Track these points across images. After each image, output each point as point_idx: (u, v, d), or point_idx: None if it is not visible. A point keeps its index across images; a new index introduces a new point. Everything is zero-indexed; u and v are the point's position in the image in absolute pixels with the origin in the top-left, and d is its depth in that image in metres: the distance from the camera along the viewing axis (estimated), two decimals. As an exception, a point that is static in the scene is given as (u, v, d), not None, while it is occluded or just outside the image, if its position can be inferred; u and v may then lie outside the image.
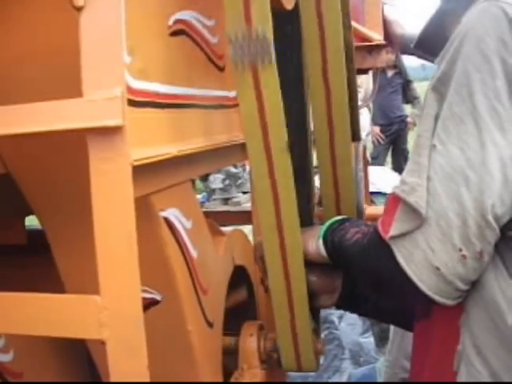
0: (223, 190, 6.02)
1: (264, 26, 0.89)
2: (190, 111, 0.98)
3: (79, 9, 0.71)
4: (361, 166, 1.51)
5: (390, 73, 6.14)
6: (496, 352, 0.86)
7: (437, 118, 0.85)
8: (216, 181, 5.95)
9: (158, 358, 0.81)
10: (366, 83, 4.22)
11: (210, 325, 1.16)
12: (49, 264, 1.09)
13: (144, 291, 0.72)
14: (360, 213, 1.42)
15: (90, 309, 0.70)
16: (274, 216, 1.03)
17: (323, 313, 1.65)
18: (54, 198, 1.03)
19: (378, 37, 2.39)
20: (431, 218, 0.82)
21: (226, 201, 5.97)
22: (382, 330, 2.93)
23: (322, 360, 1.28)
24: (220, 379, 1.23)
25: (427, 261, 0.82)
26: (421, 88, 6.78)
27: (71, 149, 0.89)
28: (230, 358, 1.27)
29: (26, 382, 1.17)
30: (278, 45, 0.92)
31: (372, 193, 2.91)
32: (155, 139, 0.84)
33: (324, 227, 1.08)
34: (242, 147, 1.18)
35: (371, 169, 3.02)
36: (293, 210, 1.04)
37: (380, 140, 6.32)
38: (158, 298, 1.02)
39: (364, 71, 2.61)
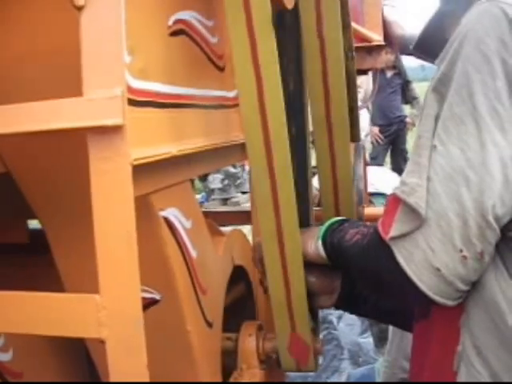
0: (222, 190, 6.02)
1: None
2: (189, 111, 0.98)
3: (80, 8, 0.71)
4: (361, 166, 1.51)
5: (389, 73, 6.15)
6: (496, 352, 0.86)
7: (437, 118, 0.85)
8: (215, 181, 5.95)
9: (157, 357, 0.81)
10: (365, 84, 4.22)
11: (210, 325, 1.16)
12: (49, 263, 1.09)
13: (143, 291, 0.73)
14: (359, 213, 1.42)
15: (89, 308, 0.70)
16: (273, 217, 1.03)
17: (322, 313, 1.65)
18: (53, 197, 1.03)
19: (377, 37, 2.39)
20: (431, 218, 0.82)
21: (224, 201, 5.97)
22: (380, 331, 2.93)
23: (320, 360, 1.28)
24: (219, 379, 1.23)
25: (427, 261, 0.82)
26: (420, 88, 6.79)
27: (71, 148, 0.89)
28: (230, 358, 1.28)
29: (26, 382, 1.17)
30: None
31: (371, 193, 2.91)
32: (155, 139, 0.84)
33: (323, 228, 1.08)
34: (241, 147, 1.18)
35: (370, 169, 3.02)
36: (292, 212, 1.04)
37: (379, 140, 6.32)
38: (158, 297, 1.02)
39: (363, 72, 2.61)
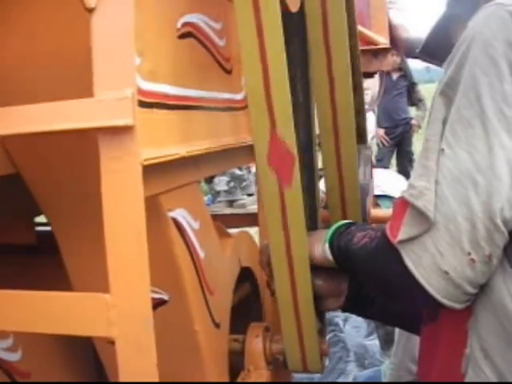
0: (228, 192, 6.00)
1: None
2: (197, 113, 0.99)
3: (90, 10, 0.72)
4: (368, 168, 1.52)
5: (395, 75, 6.14)
6: (504, 355, 0.86)
7: (445, 121, 0.85)
8: (221, 183, 5.94)
9: (165, 357, 0.82)
10: (373, 86, 4.22)
11: (217, 325, 1.17)
12: (57, 264, 1.10)
13: (152, 291, 0.73)
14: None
15: (99, 307, 0.70)
16: (280, 220, 1.04)
17: (328, 315, 1.65)
18: (62, 197, 1.03)
19: (383, 40, 2.40)
20: (440, 221, 0.82)
21: (230, 203, 5.96)
22: (387, 333, 2.92)
23: (326, 362, 1.28)
24: (226, 379, 1.24)
25: (436, 265, 0.82)
26: (425, 90, 6.78)
27: (80, 148, 0.90)
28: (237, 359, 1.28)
29: (34, 382, 1.17)
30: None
31: (377, 196, 2.91)
32: (164, 140, 0.85)
33: (330, 231, 1.08)
34: (248, 149, 1.18)
35: (376, 171, 3.02)
36: (300, 214, 1.04)
37: (385, 142, 6.31)
38: (166, 297, 1.03)
39: (370, 75, 2.61)
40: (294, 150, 1.00)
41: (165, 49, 0.90)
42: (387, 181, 2.99)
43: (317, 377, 2.40)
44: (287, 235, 1.05)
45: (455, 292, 0.83)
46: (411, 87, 6.37)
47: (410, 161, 6.40)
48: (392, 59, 2.46)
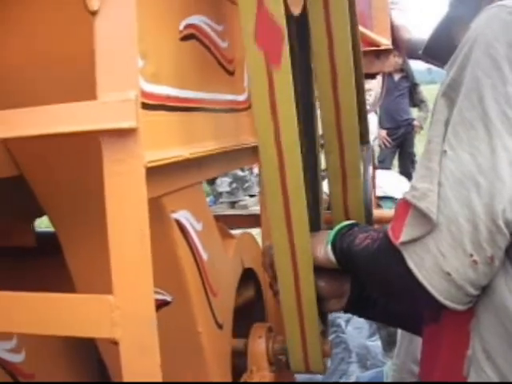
0: (230, 193, 6.01)
1: None
2: (200, 114, 0.99)
3: (94, 13, 0.72)
4: (370, 169, 1.52)
5: (396, 76, 6.13)
6: (506, 357, 0.86)
7: (447, 123, 0.85)
8: (223, 184, 5.94)
9: (169, 358, 0.82)
10: (376, 87, 4.22)
11: (220, 326, 1.17)
12: (60, 265, 1.10)
13: (155, 292, 0.73)
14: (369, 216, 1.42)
15: (103, 308, 0.70)
16: (284, 220, 1.04)
17: (330, 316, 1.65)
18: (66, 198, 1.04)
19: (385, 42, 2.40)
20: (442, 223, 0.82)
21: (232, 204, 5.96)
22: (389, 334, 2.92)
23: (329, 363, 1.28)
24: (229, 380, 1.24)
25: (438, 266, 0.82)
26: (427, 91, 6.78)
27: (83, 150, 0.90)
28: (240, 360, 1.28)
29: (34, 381, 1.18)
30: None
31: (379, 197, 2.91)
32: (167, 142, 0.85)
33: (332, 232, 1.08)
34: (251, 151, 1.19)
35: (378, 173, 3.02)
36: (303, 215, 1.04)
37: (387, 143, 6.31)
38: (169, 299, 1.03)
39: (372, 76, 2.62)
40: (283, 22, 0.93)
41: (167, 51, 0.90)
42: (389, 182, 3.00)
43: (319, 377, 2.40)
44: (291, 237, 1.05)
45: (457, 293, 0.83)
46: (413, 88, 6.36)
47: (412, 162, 6.40)
48: (394, 60, 2.47)
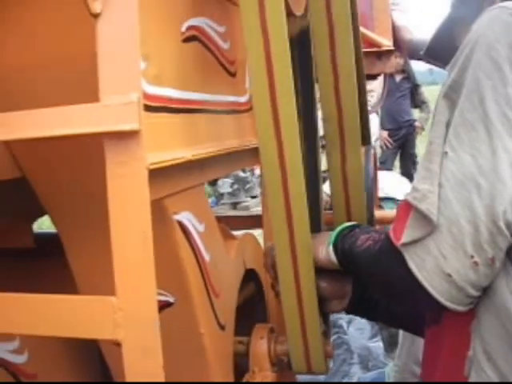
0: (232, 194, 6.01)
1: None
2: (202, 116, 1.00)
3: (96, 16, 0.72)
4: (372, 170, 1.52)
5: (398, 77, 6.13)
6: (506, 358, 0.86)
7: (448, 124, 0.85)
8: (224, 185, 5.95)
9: (171, 359, 0.82)
10: (378, 88, 4.22)
11: (222, 327, 1.17)
12: (62, 266, 1.10)
13: (158, 294, 0.73)
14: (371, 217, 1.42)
15: (105, 310, 0.70)
16: (285, 222, 1.04)
17: (332, 318, 1.65)
18: (68, 199, 1.04)
19: (387, 42, 2.40)
20: (443, 224, 0.82)
21: (234, 205, 5.97)
22: (390, 335, 2.92)
23: (331, 364, 1.29)
24: (231, 381, 1.24)
25: (439, 267, 0.82)
26: (428, 92, 6.78)
27: (85, 152, 0.91)
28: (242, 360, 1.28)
29: (36, 382, 1.18)
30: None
31: (380, 198, 2.91)
32: (169, 143, 0.86)
33: (334, 233, 1.08)
34: (252, 152, 1.19)
35: (379, 174, 3.02)
36: (304, 217, 1.04)
37: (388, 144, 6.30)
38: (171, 300, 1.03)
39: (373, 77, 2.62)
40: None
41: (170, 53, 0.90)
42: (390, 183, 3.00)
43: (321, 378, 2.40)
44: (292, 238, 1.06)
45: (458, 295, 0.83)
46: (414, 89, 6.36)
47: (414, 163, 6.39)
48: (395, 61, 2.47)
